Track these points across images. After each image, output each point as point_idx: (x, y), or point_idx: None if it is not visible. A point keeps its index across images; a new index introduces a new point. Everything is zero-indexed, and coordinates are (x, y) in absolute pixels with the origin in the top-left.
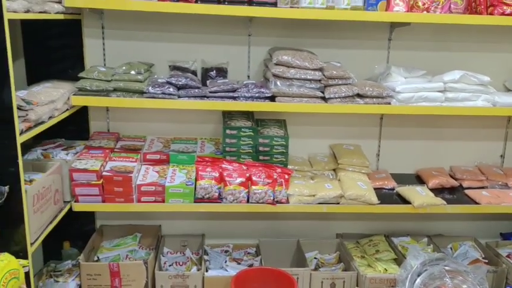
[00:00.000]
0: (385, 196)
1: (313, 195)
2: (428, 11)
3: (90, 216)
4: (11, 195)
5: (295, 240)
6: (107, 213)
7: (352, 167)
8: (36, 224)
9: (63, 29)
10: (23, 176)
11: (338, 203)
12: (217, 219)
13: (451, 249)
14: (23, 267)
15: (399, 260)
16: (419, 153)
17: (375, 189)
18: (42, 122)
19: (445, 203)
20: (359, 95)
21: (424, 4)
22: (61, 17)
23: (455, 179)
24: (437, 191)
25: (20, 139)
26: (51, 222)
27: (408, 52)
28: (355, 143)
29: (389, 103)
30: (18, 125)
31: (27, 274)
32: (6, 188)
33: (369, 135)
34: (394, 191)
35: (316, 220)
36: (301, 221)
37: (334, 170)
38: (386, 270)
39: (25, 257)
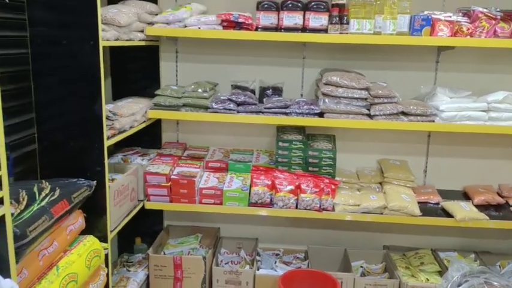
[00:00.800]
0: (430, 210)
1: (358, 205)
2: (472, 36)
3: (158, 216)
4: (97, 190)
5: (343, 248)
6: (173, 214)
7: (397, 180)
8: (116, 215)
9: (143, 54)
10: (107, 175)
11: (381, 213)
12: (270, 225)
13: (499, 266)
14: (104, 249)
15: (443, 273)
16: (467, 171)
17: (420, 203)
18: (124, 131)
19: (487, 218)
20: (404, 113)
21: (468, 29)
22: (143, 43)
23: (502, 197)
24: (483, 207)
25: (106, 143)
26: (127, 216)
27: (455, 74)
28: (403, 159)
29: (433, 121)
30: (106, 132)
31: (106, 256)
32: (94, 183)
33: (416, 152)
34: (439, 206)
35: (364, 231)
36: (349, 232)
37: (380, 183)
38: (428, 280)
39: (105, 242)
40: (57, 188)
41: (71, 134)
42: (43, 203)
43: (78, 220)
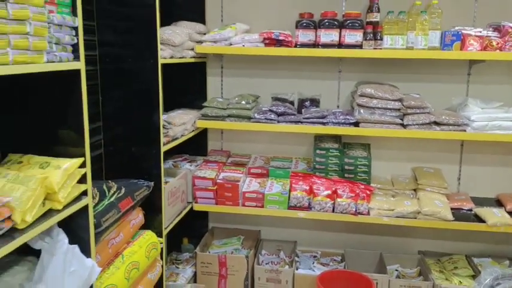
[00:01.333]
0: (462, 215)
1: (392, 210)
2: (501, 50)
3: (204, 219)
4: (154, 190)
5: (378, 252)
6: (218, 217)
7: (431, 187)
8: (169, 214)
9: (192, 69)
10: (163, 177)
11: (415, 218)
12: (308, 229)
13: None
14: (160, 243)
15: (476, 277)
16: (500, 179)
17: (453, 209)
18: (176, 138)
19: None
20: (436, 123)
21: (498, 44)
22: (192, 60)
23: None
24: None
25: (162, 149)
26: (178, 215)
27: (486, 86)
28: (436, 167)
29: (465, 130)
30: (162, 139)
31: (161, 250)
32: (152, 184)
33: (450, 161)
34: (472, 212)
35: (399, 237)
36: (385, 237)
37: (414, 190)
38: (462, 283)
39: (160, 237)
40: (122, 187)
41: (132, 140)
42: (112, 199)
43: (138, 216)
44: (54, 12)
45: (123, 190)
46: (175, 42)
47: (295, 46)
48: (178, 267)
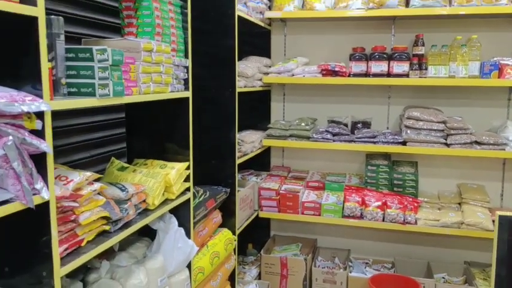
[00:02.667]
0: None
1: (438, 220)
2: None
3: (266, 228)
4: (229, 196)
5: (426, 261)
6: (279, 225)
7: (474, 201)
8: (240, 217)
9: (259, 96)
10: (236, 186)
11: (459, 228)
12: (360, 239)
13: None
14: (234, 240)
15: None
16: None
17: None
18: (247, 154)
19: None
20: (477, 142)
21: None
22: (260, 89)
23: None
24: None
25: (237, 162)
26: (247, 219)
27: None
28: (480, 183)
29: (504, 149)
30: (236, 153)
31: (235, 246)
32: (228, 190)
33: (493, 178)
34: None
35: (445, 248)
36: (432, 247)
37: (459, 203)
38: None
39: (234, 235)
40: (207, 191)
41: (213, 154)
42: (201, 199)
43: (218, 216)
44: (175, 56)
45: (207, 193)
46: (248, 74)
47: (349, 76)
48: (244, 268)
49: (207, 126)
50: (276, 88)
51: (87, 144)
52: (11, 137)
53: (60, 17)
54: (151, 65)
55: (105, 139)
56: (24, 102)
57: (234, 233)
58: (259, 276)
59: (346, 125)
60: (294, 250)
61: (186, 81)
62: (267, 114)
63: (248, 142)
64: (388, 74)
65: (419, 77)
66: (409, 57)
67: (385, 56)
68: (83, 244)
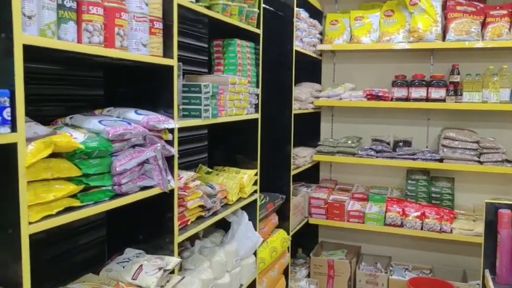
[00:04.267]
0: None
1: (471, 230)
2: None
3: (315, 234)
4: (285, 202)
5: (462, 269)
6: (326, 232)
7: None
8: (293, 221)
9: (310, 117)
10: (291, 193)
11: None
12: (401, 247)
13: None
14: (288, 240)
15: None
16: None
17: None
18: (299, 167)
19: None
20: (507, 161)
21: None
22: (311, 111)
23: None
24: None
25: (291, 173)
26: (298, 224)
27: None
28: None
29: None
30: (292, 166)
31: (289, 245)
32: (284, 197)
33: None
34: None
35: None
36: (468, 257)
37: None
38: None
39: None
40: (266, 196)
41: (272, 165)
42: (262, 202)
43: (275, 218)
44: (249, 87)
45: (267, 198)
46: (302, 98)
47: (392, 100)
48: (295, 268)
49: (268, 141)
50: (325, 110)
51: (183, 153)
52: (159, 144)
53: (181, 63)
54: (234, 94)
55: (193, 149)
56: (164, 122)
57: (288, 234)
58: (308, 276)
59: (388, 143)
60: (339, 255)
61: (256, 105)
62: (317, 133)
63: (301, 157)
64: (427, 99)
65: (455, 102)
66: (446, 84)
67: (424, 83)
68: (188, 223)
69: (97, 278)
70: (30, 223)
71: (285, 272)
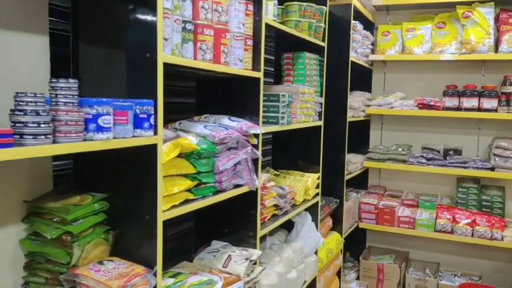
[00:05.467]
0: None
1: None
2: None
3: (363, 240)
4: (338, 206)
5: None
6: (373, 237)
7: None
8: (345, 224)
9: (360, 124)
10: (344, 198)
11: None
12: (449, 254)
13: None
14: (342, 242)
15: None
16: None
17: None
18: (351, 173)
19: None
20: None
21: None
22: (362, 118)
23: None
24: None
25: (345, 178)
26: (350, 228)
27: None
28: None
29: None
30: (345, 171)
31: (342, 247)
32: (338, 201)
33: None
34: None
35: None
36: None
37: None
38: None
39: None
40: (322, 199)
41: (327, 170)
42: (320, 204)
43: (330, 221)
44: (314, 95)
45: (324, 201)
46: (355, 106)
47: (443, 109)
48: (344, 271)
49: (325, 147)
50: (374, 118)
51: None
52: (249, 147)
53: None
54: (303, 102)
55: (262, 153)
56: (252, 127)
57: (341, 237)
58: (357, 279)
59: (438, 151)
60: (387, 260)
61: (320, 113)
62: (366, 140)
63: (353, 163)
64: (478, 109)
65: (507, 112)
66: (498, 94)
67: (475, 93)
68: (265, 220)
69: (192, 265)
70: (163, 211)
71: (338, 274)
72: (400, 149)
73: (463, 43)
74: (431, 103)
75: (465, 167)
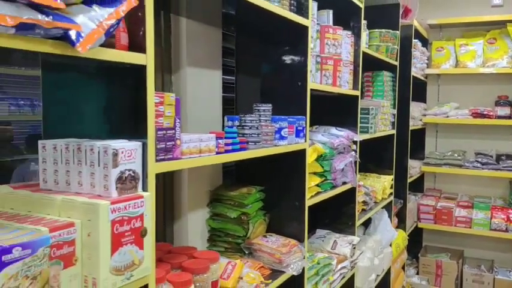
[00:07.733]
0: None
1: None
2: None
3: (419, 239)
4: (402, 207)
5: None
6: (429, 237)
7: None
8: (408, 224)
9: (416, 133)
10: (407, 200)
11: None
12: (503, 252)
13: None
14: (406, 238)
15: None
16: None
17: None
18: (412, 176)
19: None
20: None
21: None
22: (420, 127)
23: None
24: None
25: (408, 180)
26: (411, 226)
27: None
28: None
29: None
30: (408, 175)
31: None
32: (402, 201)
33: None
34: None
35: None
36: None
37: None
38: None
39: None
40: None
41: (395, 174)
42: (393, 204)
43: (396, 219)
44: (390, 107)
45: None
46: (415, 116)
47: (495, 118)
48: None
49: (391, 156)
50: (430, 126)
51: None
52: (353, 152)
53: None
54: (382, 114)
55: None
56: (355, 136)
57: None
58: (417, 274)
59: (491, 156)
60: (444, 257)
61: (393, 123)
62: (421, 147)
63: (413, 167)
64: None
65: None
66: None
67: None
68: (358, 213)
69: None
70: (307, 199)
71: (403, 267)
72: (456, 155)
73: None
74: (485, 112)
75: None
